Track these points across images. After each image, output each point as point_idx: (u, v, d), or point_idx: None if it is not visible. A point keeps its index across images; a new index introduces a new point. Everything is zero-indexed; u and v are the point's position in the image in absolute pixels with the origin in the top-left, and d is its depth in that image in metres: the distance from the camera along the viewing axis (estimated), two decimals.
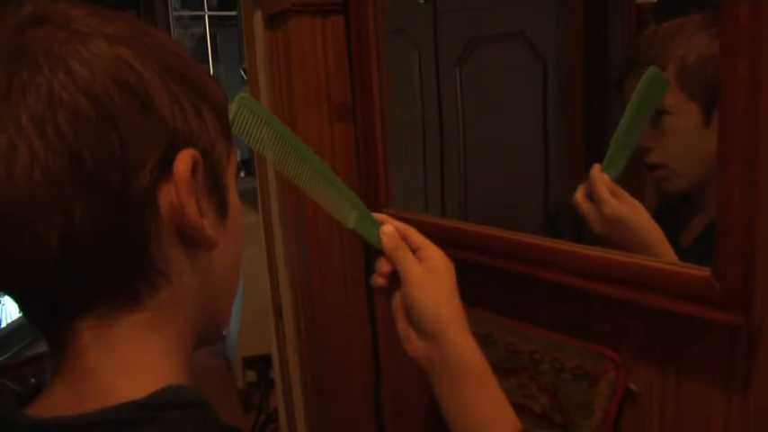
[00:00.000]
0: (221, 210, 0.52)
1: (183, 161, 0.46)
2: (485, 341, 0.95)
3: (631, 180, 1.07)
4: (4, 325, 2.49)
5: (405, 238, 0.76)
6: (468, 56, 1.28)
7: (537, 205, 1.22)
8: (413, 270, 0.73)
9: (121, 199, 0.44)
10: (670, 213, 0.93)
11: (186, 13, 3.92)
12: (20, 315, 2.59)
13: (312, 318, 1.26)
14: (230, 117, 0.67)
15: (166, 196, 0.46)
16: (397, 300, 0.77)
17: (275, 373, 1.54)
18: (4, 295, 2.49)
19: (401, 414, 1.24)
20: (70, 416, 0.44)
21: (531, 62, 1.20)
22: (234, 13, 3.87)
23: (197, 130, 0.48)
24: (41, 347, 2.45)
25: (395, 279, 0.76)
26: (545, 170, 1.21)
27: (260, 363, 2.71)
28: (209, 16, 3.93)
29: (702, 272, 0.70)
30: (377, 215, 0.78)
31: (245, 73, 1.41)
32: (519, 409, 0.92)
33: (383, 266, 0.76)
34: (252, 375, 2.81)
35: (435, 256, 0.74)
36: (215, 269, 0.53)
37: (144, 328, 0.48)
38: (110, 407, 0.44)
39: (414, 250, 0.75)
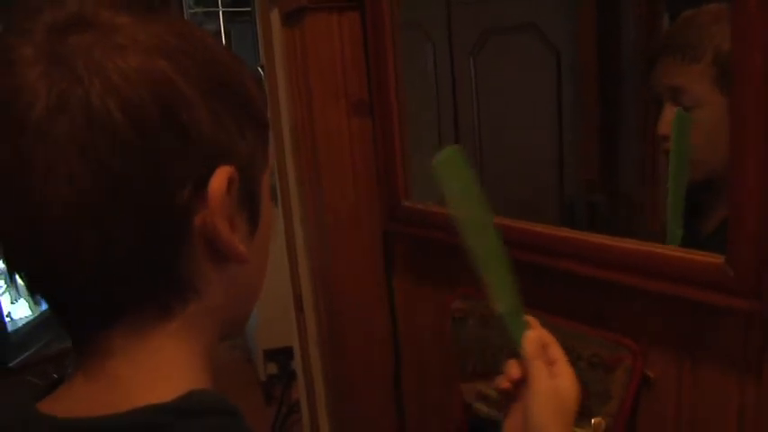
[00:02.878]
0: (252, 220, 0.52)
1: (219, 180, 0.45)
2: (504, 330, 0.97)
3: (645, 164, 1.08)
4: (21, 324, 2.52)
5: (544, 348, 0.73)
6: (481, 48, 1.29)
7: (552, 196, 1.23)
8: (543, 384, 0.70)
9: (157, 216, 0.44)
10: (692, 199, 0.92)
11: (200, 9, 3.93)
12: (35, 314, 2.62)
13: (332, 310, 1.27)
14: (436, 166, 0.72)
15: (201, 213, 0.45)
16: (517, 405, 0.75)
17: (296, 364, 1.56)
18: (19, 296, 2.50)
19: (422, 404, 1.25)
20: (89, 417, 0.44)
21: (545, 53, 1.20)
22: (248, 9, 3.87)
23: (236, 144, 0.47)
24: (62, 345, 2.48)
25: (520, 382, 0.74)
26: (559, 161, 1.22)
27: (281, 355, 2.73)
28: (223, 12, 3.94)
29: (716, 259, 0.71)
30: (528, 317, 0.75)
31: (262, 70, 1.43)
32: None
33: (513, 372, 0.74)
34: (273, 368, 2.84)
35: (566, 375, 0.72)
36: (242, 278, 0.53)
37: (171, 338, 0.48)
38: (129, 410, 0.44)
39: (549, 362, 0.73)
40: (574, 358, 0.88)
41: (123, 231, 0.43)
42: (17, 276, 0.47)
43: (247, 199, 0.50)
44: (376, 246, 1.22)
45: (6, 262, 0.46)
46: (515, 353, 0.73)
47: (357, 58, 1.14)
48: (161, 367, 0.47)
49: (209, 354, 0.52)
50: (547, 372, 0.71)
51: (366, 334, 1.25)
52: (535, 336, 0.73)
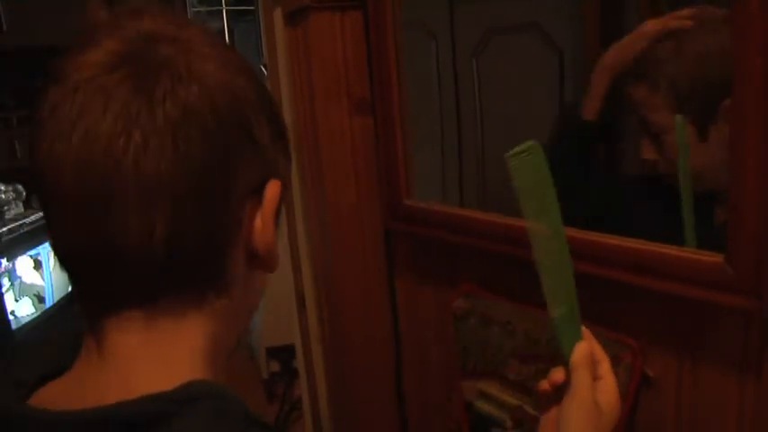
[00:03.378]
0: (278, 230, 0.56)
1: (273, 190, 0.51)
2: (504, 329, 0.97)
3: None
4: (25, 322, 2.53)
5: (594, 362, 0.72)
6: (484, 47, 1.29)
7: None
8: (584, 394, 0.70)
9: (219, 212, 0.48)
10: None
11: (204, 8, 3.94)
12: (38, 312, 2.62)
13: (334, 308, 1.28)
14: (511, 158, 0.71)
15: (251, 217, 0.51)
16: (553, 410, 0.74)
17: (299, 362, 1.57)
18: (23, 294, 2.51)
19: (423, 402, 1.26)
20: (90, 408, 0.45)
21: (548, 53, 1.21)
22: (251, 8, 3.88)
23: (281, 162, 0.54)
24: None
25: (560, 388, 0.73)
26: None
27: (283, 353, 2.74)
28: (226, 11, 3.94)
29: (716, 258, 0.71)
30: (584, 329, 0.74)
31: (265, 69, 1.43)
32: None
33: (558, 376, 0.73)
34: (275, 365, 2.85)
35: (610, 392, 0.71)
36: (258, 285, 0.57)
37: (195, 329, 0.51)
38: (135, 399, 0.45)
39: (596, 377, 0.72)
40: None
41: (192, 214, 0.46)
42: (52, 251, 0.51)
43: (279, 213, 0.54)
44: (378, 244, 1.23)
45: (56, 234, 0.48)
46: (564, 361, 0.72)
47: (359, 58, 1.14)
48: (175, 357, 0.49)
49: (223, 354, 0.55)
50: (591, 385, 0.70)
51: (368, 332, 1.26)
52: (586, 347, 0.72)
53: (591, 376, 0.71)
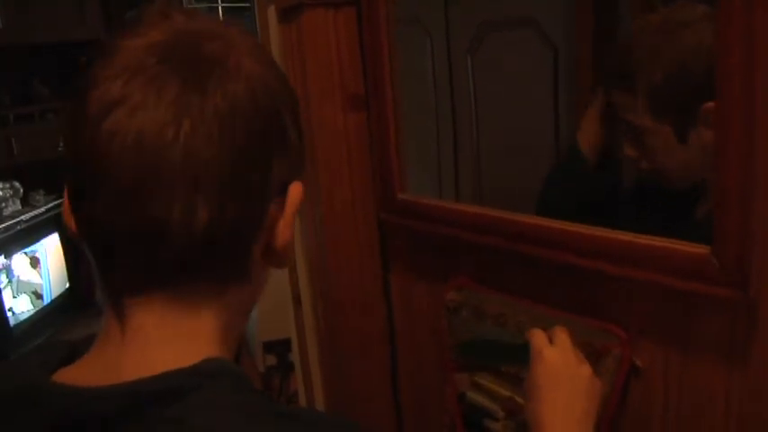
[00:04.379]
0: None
1: (297, 190, 0.54)
2: (497, 321, 0.98)
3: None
4: (23, 319, 2.53)
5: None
6: (479, 43, 1.30)
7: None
8: (546, 354, 0.83)
9: (254, 204, 0.51)
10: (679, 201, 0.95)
11: (201, 5, 3.94)
12: (36, 309, 2.63)
13: (329, 302, 1.29)
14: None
15: (274, 215, 0.53)
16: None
17: (294, 356, 1.58)
18: (20, 291, 2.51)
19: (417, 393, 1.27)
20: (108, 385, 0.47)
21: (543, 49, 1.21)
22: (247, 5, 3.88)
23: (302, 164, 0.57)
24: (62, 338, 2.50)
25: None
26: (556, 155, 1.23)
27: (279, 347, 2.75)
28: (222, 9, 3.95)
29: (702, 250, 0.73)
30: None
31: None
32: None
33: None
34: (272, 359, 2.85)
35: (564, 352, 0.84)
36: (263, 278, 0.59)
37: (213, 316, 0.53)
38: (148, 377, 0.47)
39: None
40: None
41: (232, 202, 0.49)
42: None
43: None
44: (372, 238, 1.24)
45: (95, 208, 0.49)
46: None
47: (353, 54, 1.15)
48: (193, 338, 0.52)
49: (234, 339, 0.57)
50: (547, 344, 0.83)
51: (362, 325, 1.27)
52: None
53: (545, 338, 0.84)
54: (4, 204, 2.68)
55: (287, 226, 0.54)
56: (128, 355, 0.50)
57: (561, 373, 0.80)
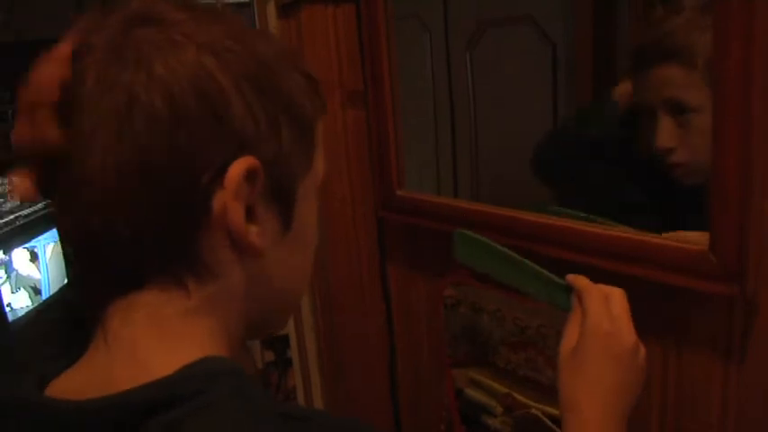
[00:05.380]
0: (284, 220, 0.53)
1: (237, 167, 0.48)
2: (494, 317, 0.99)
3: None
4: (22, 314, 2.53)
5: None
6: (478, 40, 1.30)
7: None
8: (596, 320, 0.71)
9: (180, 196, 0.47)
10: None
11: (200, 2, 3.94)
12: (35, 304, 2.62)
13: (328, 298, 1.29)
14: (454, 252, 0.88)
15: (220, 199, 0.48)
16: (568, 345, 0.73)
17: (292, 352, 1.58)
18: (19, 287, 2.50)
19: (415, 389, 1.27)
20: (101, 397, 0.45)
21: (541, 46, 1.21)
22: (246, 0, 3.87)
23: (266, 140, 0.50)
24: None
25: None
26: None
27: (278, 343, 2.75)
28: (221, 4, 3.94)
29: (699, 246, 0.73)
30: (570, 276, 0.77)
31: None
32: (527, 381, 0.96)
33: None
34: (270, 355, 2.86)
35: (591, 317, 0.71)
36: (268, 276, 0.54)
37: (191, 314, 0.50)
38: (141, 386, 0.45)
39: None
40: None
41: (150, 207, 0.46)
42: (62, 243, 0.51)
43: (277, 194, 0.52)
44: (370, 234, 1.24)
45: (57, 226, 0.50)
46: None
47: (352, 50, 1.15)
48: (179, 336, 0.49)
49: (231, 336, 0.53)
50: (574, 335, 0.72)
51: (360, 321, 1.27)
52: (575, 304, 0.74)
53: (601, 300, 0.71)
54: (2, 199, 2.67)
55: (229, 205, 0.48)
56: (117, 363, 0.49)
57: (614, 347, 0.69)
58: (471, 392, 1.03)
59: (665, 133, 0.88)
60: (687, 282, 0.75)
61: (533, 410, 0.94)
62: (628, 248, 0.79)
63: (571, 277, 0.76)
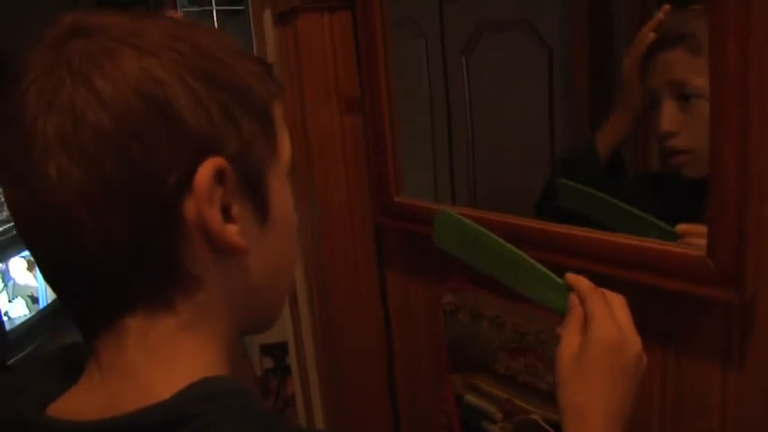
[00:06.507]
0: (260, 212, 0.52)
1: (204, 172, 0.45)
2: (493, 323, 0.99)
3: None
4: (19, 323, 2.52)
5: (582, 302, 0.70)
6: (474, 44, 1.30)
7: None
8: (565, 341, 0.68)
9: (147, 209, 0.45)
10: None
11: (194, 9, 3.94)
12: (32, 313, 2.62)
13: (326, 305, 1.29)
14: (433, 236, 0.79)
15: (191, 205, 0.46)
16: (567, 346, 0.70)
17: (291, 359, 1.58)
18: (16, 295, 2.50)
19: (414, 395, 1.27)
20: (103, 419, 0.44)
21: (537, 50, 1.22)
22: (241, 8, 3.88)
23: (225, 134, 0.47)
24: (59, 343, 2.49)
25: None
26: (551, 158, 1.24)
27: (276, 350, 2.75)
28: (216, 11, 3.94)
29: (698, 252, 0.73)
30: (568, 276, 0.73)
31: None
32: (526, 387, 0.96)
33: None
34: (269, 362, 2.85)
35: (594, 329, 0.67)
36: (253, 272, 0.53)
37: (184, 329, 0.48)
38: (143, 408, 0.44)
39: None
40: None
41: (119, 224, 0.44)
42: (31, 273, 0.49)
43: (249, 188, 0.50)
44: (368, 241, 1.24)
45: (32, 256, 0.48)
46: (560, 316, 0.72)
47: (349, 57, 1.15)
48: (176, 355, 0.48)
49: (226, 346, 0.52)
50: (574, 338, 0.68)
51: (359, 328, 1.27)
52: (574, 304, 0.70)
53: (607, 307, 0.68)
54: (0, 208, 2.67)
55: (205, 210, 0.46)
56: (114, 387, 0.47)
57: (620, 357, 0.67)
58: (471, 398, 1.03)
59: (668, 117, 0.88)
60: (685, 287, 0.75)
61: (533, 416, 0.94)
62: (626, 253, 0.79)
63: (572, 277, 0.72)
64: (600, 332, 0.67)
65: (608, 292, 0.70)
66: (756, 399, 0.75)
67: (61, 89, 0.43)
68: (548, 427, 0.92)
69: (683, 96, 0.87)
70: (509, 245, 0.79)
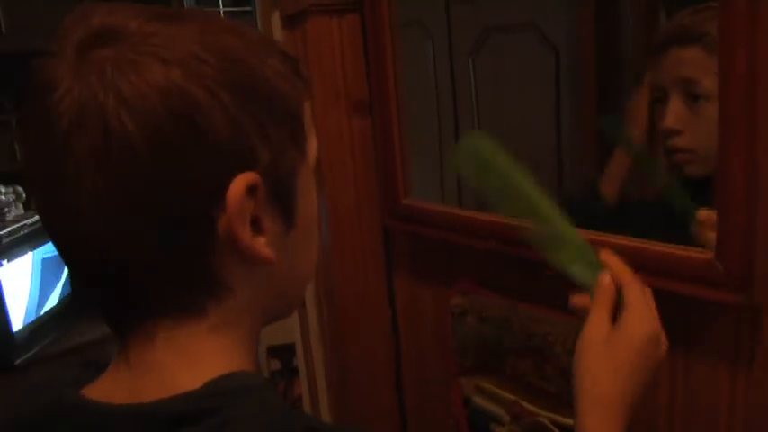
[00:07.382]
0: (287, 218, 0.52)
1: (236, 189, 0.46)
2: (501, 325, 0.99)
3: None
4: (26, 324, 2.54)
5: (619, 290, 0.67)
6: (481, 46, 1.30)
7: (550, 194, 1.25)
8: (590, 332, 0.66)
9: (180, 223, 0.45)
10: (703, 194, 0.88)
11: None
12: (39, 314, 2.63)
13: (334, 306, 1.29)
14: (455, 161, 0.71)
15: (223, 219, 0.46)
16: (593, 329, 0.67)
17: (299, 360, 1.58)
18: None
19: (422, 398, 1.27)
20: (132, 403, 0.46)
21: (544, 52, 1.22)
22: (248, 9, 3.89)
23: (256, 148, 0.47)
24: (65, 344, 2.51)
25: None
26: (558, 160, 1.24)
27: (284, 352, 2.75)
28: (223, 12, 3.95)
29: (705, 254, 0.73)
30: (603, 252, 0.70)
31: None
32: (534, 389, 0.96)
33: (576, 301, 0.71)
34: (276, 364, 2.86)
35: (629, 324, 0.65)
36: (280, 276, 0.54)
37: (211, 331, 0.49)
38: (169, 397, 0.45)
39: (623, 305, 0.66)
40: (569, 350, 0.89)
41: (153, 238, 0.45)
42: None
43: (278, 197, 0.50)
44: (376, 243, 1.24)
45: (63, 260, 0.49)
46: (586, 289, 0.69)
47: (357, 60, 1.16)
48: (202, 355, 0.49)
49: (251, 340, 0.54)
50: (605, 320, 0.66)
51: (367, 330, 1.27)
52: (607, 284, 0.67)
53: (608, 312, 0.66)
54: (7, 209, 2.68)
55: (236, 226, 0.46)
56: (140, 380, 0.49)
57: (653, 350, 0.65)
58: (479, 401, 1.04)
59: (674, 115, 0.87)
60: (694, 290, 0.75)
61: (541, 418, 0.94)
62: (634, 256, 0.79)
63: (608, 256, 0.69)
64: (642, 325, 0.65)
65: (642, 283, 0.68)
66: (765, 402, 0.75)
67: (93, 103, 0.43)
68: (556, 430, 0.92)
69: (692, 96, 0.86)
70: (546, 196, 0.72)
